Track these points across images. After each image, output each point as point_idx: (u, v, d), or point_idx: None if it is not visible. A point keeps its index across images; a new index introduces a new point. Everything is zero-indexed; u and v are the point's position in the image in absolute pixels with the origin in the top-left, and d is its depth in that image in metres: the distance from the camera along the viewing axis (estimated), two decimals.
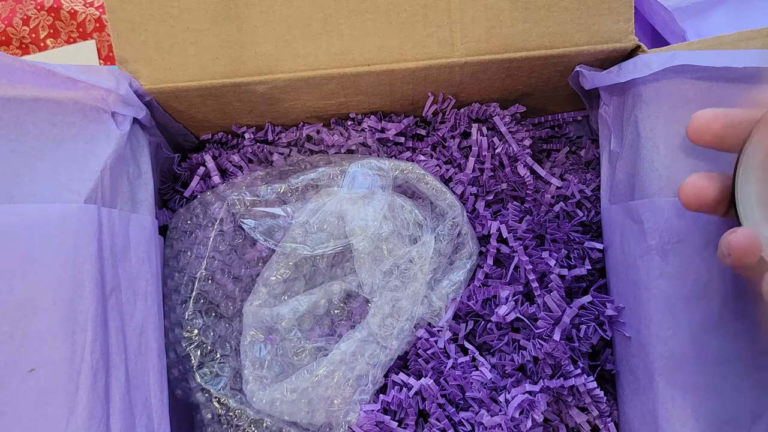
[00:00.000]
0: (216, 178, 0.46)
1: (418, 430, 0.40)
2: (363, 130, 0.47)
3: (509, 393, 0.39)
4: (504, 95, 0.46)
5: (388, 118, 0.48)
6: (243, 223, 0.41)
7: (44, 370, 0.30)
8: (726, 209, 0.31)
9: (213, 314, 0.41)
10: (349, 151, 0.47)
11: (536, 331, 0.40)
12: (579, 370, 0.38)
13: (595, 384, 0.38)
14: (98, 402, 0.31)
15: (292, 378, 0.38)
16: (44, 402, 0.30)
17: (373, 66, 0.40)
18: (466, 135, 0.48)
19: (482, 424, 0.38)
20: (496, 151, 0.46)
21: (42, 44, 0.61)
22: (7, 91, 0.35)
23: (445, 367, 0.40)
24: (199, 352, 0.39)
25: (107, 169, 0.36)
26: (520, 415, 0.38)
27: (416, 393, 0.39)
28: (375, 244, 0.39)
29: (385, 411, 0.40)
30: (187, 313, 0.40)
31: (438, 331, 0.41)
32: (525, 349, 0.40)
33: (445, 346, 0.41)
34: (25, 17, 0.61)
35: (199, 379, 0.39)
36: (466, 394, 0.39)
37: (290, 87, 0.41)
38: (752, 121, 0.29)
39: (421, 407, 0.40)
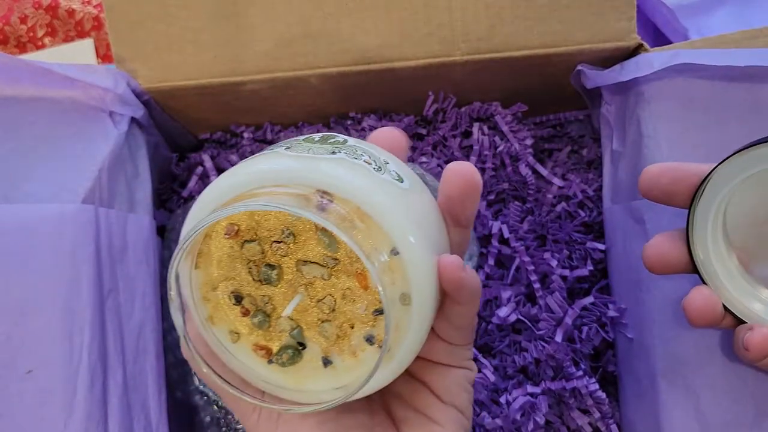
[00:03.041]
0: (214, 178, 0.46)
1: None
2: (363, 129, 0.46)
3: (510, 395, 0.39)
4: (505, 94, 0.46)
5: (388, 117, 0.47)
6: None
7: (42, 372, 0.30)
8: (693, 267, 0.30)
9: None
10: None
11: (538, 333, 0.39)
12: (581, 372, 0.38)
13: (596, 386, 0.38)
14: (96, 403, 0.31)
15: None
16: (42, 403, 0.30)
17: (374, 65, 0.40)
18: (467, 134, 0.47)
19: (483, 426, 0.38)
20: (498, 150, 0.45)
21: (39, 43, 0.60)
22: (4, 90, 0.35)
23: None
24: None
25: (105, 169, 0.35)
26: (521, 417, 0.38)
27: None
28: None
29: None
30: None
31: None
32: (526, 350, 0.40)
33: None
34: (23, 16, 0.60)
35: (197, 382, 0.38)
36: None
37: (289, 86, 0.41)
38: (700, 175, 0.28)
39: None
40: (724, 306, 0.29)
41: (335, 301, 0.21)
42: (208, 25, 0.39)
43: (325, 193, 0.19)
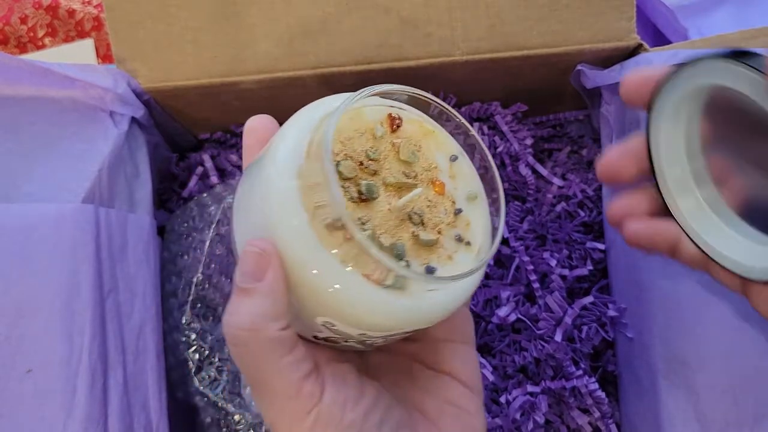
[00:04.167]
0: (214, 178, 0.46)
1: None
2: None
3: (510, 394, 0.39)
4: (505, 94, 0.46)
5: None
6: None
7: (42, 372, 0.30)
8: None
9: (210, 318, 0.41)
10: None
11: (537, 332, 0.39)
12: (580, 372, 0.38)
13: (596, 385, 0.38)
14: (96, 403, 0.31)
15: None
16: (41, 404, 0.30)
17: (374, 65, 0.40)
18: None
19: None
20: (498, 150, 0.45)
21: (40, 43, 0.60)
22: (4, 90, 0.35)
23: None
24: (197, 356, 0.39)
25: (105, 168, 0.35)
26: (521, 416, 0.38)
27: None
28: None
29: None
30: (184, 318, 0.40)
31: None
32: (526, 350, 0.40)
33: None
34: (23, 16, 0.60)
35: (197, 383, 0.38)
36: None
37: (289, 86, 0.41)
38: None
39: None
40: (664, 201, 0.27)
41: (423, 210, 0.23)
42: (208, 25, 0.39)
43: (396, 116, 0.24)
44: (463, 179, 0.25)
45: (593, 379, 0.38)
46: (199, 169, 0.46)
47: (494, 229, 0.24)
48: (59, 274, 0.31)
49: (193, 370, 0.39)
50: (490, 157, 0.25)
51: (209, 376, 0.39)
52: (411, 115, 0.25)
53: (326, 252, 0.20)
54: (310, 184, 0.21)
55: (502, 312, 0.39)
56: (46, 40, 0.60)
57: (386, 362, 0.27)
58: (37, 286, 0.31)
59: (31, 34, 0.60)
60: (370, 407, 0.23)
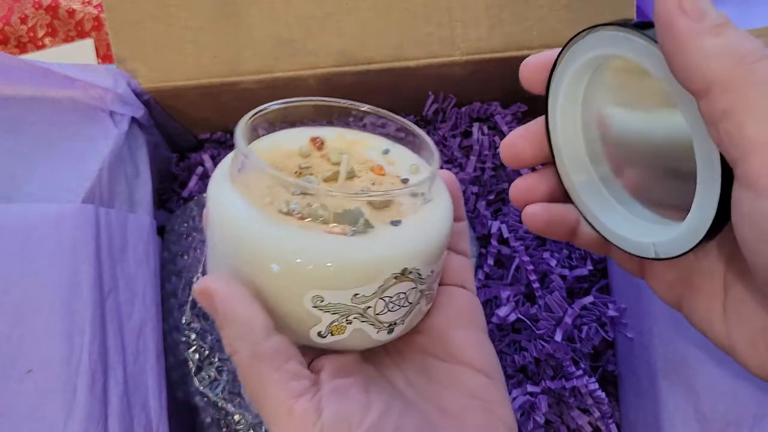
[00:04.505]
0: None
1: None
2: (365, 125, 0.46)
3: (510, 394, 0.39)
4: (505, 94, 0.46)
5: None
6: None
7: (42, 372, 0.30)
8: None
9: (210, 318, 0.41)
10: None
11: (537, 332, 0.39)
12: (580, 372, 0.38)
13: (596, 385, 0.38)
14: (96, 403, 0.31)
15: None
16: (42, 403, 0.30)
17: (374, 65, 0.40)
18: (467, 134, 0.47)
19: None
20: (498, 150, 0.45)
21: (40, 43, 0.60)
22: (4, 90, 0.35)
23: None
24: (197, 357, 0.39)
25: (105, 168, 0.35)
26: (521, 416, 0.38)
27: None
28: None
29: None
30: (184, 318, 0.40)
31: None
32: (526, 350, 0.40)
33: None
34: (23, 16, 0.60)
35: (197, 384, 0.38)
36: None
37: (289, 86, 0.41)
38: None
39: None
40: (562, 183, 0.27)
41: (370, 187, 0.24)
42: (208, 25, 0.39)
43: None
44: (400, 161, 0.27)
45: (593, 379, 0.38)
46: (199, 169, 0.46)
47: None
48: (59, 274, 0.31)
49: (193, 370, 0.39)
50: (412, 126, 0.27)
51: (209, 376, 0.39)
52: (331, 134, 0.27)
53: (287, 228, 0.21)
54: (246, 184, 0.22)
55: (502, 312, 0.39)
56: (46, 40, 0.60)
57: (397, 363, 0.26)
58: (37, 286, 0.31)
59: (31, 34, 0.60)
60: (380, 418, 0.22)
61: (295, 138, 0.26)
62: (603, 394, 0.38)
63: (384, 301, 0.22)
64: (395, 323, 0.24)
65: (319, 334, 0.23)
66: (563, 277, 0.41)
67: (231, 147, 0.49)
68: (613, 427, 0.39)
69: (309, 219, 0.21)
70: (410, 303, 0.23)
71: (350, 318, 0.22)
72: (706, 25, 0.18)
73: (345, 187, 0.24)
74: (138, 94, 0.40)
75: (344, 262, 0.21)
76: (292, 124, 0.27)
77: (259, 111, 0.25)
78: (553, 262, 0.41)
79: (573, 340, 0.39)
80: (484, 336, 0.26)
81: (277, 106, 0.26)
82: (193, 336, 0.39)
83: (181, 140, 0.48)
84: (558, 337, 0.38)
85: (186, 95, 0.41)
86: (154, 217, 0.40)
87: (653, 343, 0.36)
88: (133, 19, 0.39)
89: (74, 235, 0.32)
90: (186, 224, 0.43)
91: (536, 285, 0.41)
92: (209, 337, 0.40)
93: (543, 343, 0.39)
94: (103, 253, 0.34)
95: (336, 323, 0.22)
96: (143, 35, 0.39)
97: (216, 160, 0.47)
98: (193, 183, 0.46)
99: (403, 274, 0.22)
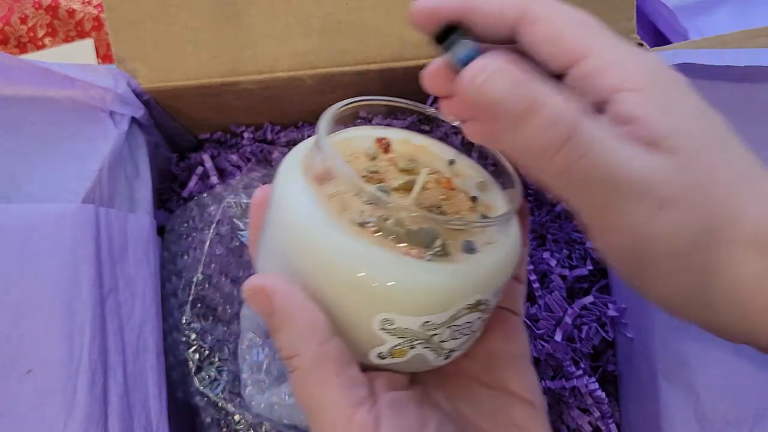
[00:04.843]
0: (214, 178, 0.46)
1: None
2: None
3: None
4: None
5: (392, 116, 0.47)
6: (240, 224, 0.41)
7: (42, 372, 0.30)
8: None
9: (210, 318, 0.41)
10: None
11: (537, 332, 0.39)
12: (580, 371, 0.38)
13: (596, 385, 0.38)
14: (96, 403, 0.31)
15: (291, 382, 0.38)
16: (42, 403, 0.30)
17: (374, 65, 0.40)
18: None
19: None
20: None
21: (40, 43, 0.60)
22: (4, 90, 0.35)
23: None
24: (197, 357, 0.39)
25: (105, 168, 0.35)
26: None
27: None
28: None
29: None
30: (184, 318, 0.40)
31: None
32: None
33: None
34: (23, 16, 0.60)
35: (197, 384, 0.38)
36: None
37: (289, 86, 0.41)
38: None
39: None
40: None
41: (440, 203, 0.23)
42: (208, 25, 0.39)
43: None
44: (467, 174, 0.26)
45: (593, 379, 0.38)
46: (199, 169, 0.46)
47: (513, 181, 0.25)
48: (59, 274, 0.31)
49: (193, 370, 0.39)
50: (498, 155, 0.26)
51: (209, 376, 0.39)
52: (397, 136, 0.26)
53: (364, 244, 0.20)
54: (328, 190, 0.21)
55: None
56: (46, 40, 0.60)
57: (444, 387, 0.25)
58: (37, 286, 0.31)
59: (31, 34, 0.60)
60: None
61: (361, 137, 0.25)
62: (603, 394, 0.38)
63: (451, 329, 0.22)
64: (454, 350, 0.23)
65: (379, 355, 0.22)
66: (563, 277, 0.41)
67: (231, 147, 0.49)
68: (613, 427, 0.39)
69: (381, 233, 0.20)
70: (473, 331, 0.23)
71: (414, 344, 0.22)
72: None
73: (416, 199, 0.23)
74: (138, 94, 0.40)
75: (419, 288, 0.20)
76: (354, 122, 0.26)
77: (348, 104, 0.24)
78: (553, 262, 0.41)
79: (573, 340, 0.39)
80: (530, 364, 0.26)
81: (360, 103, 0.25)
82: (193, 336, 0.39)
83: (181, 140, 0.48)
84: (558, 337, 0.38)
85: (186, 95, 0.41)
86: (154, 217, 0.40)
87: (653, 343, 0.36)
88: (133, 19, 0.39)
89: (74, 235, 0.32)
90: (186, 224, 0.43)
91: (536, 285, 0.41)
92: (209, 337, 0.40)
93: (543, 343, 0.39)
94: (103, 253, 0.34)
95: (399, 347, 0.22)
96: (143, 35, 0.39)
97: (216, 160, 0.47)
98: (193, 183, 0.46)
99: (476, 305, 0.22)
